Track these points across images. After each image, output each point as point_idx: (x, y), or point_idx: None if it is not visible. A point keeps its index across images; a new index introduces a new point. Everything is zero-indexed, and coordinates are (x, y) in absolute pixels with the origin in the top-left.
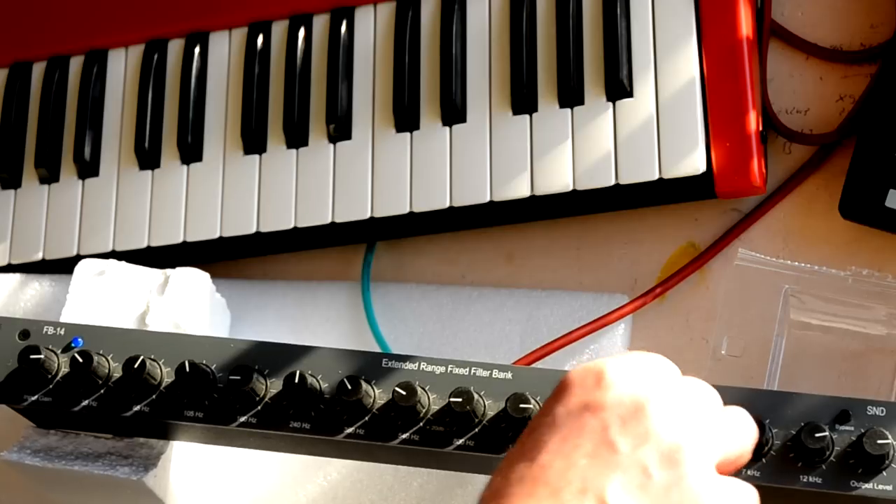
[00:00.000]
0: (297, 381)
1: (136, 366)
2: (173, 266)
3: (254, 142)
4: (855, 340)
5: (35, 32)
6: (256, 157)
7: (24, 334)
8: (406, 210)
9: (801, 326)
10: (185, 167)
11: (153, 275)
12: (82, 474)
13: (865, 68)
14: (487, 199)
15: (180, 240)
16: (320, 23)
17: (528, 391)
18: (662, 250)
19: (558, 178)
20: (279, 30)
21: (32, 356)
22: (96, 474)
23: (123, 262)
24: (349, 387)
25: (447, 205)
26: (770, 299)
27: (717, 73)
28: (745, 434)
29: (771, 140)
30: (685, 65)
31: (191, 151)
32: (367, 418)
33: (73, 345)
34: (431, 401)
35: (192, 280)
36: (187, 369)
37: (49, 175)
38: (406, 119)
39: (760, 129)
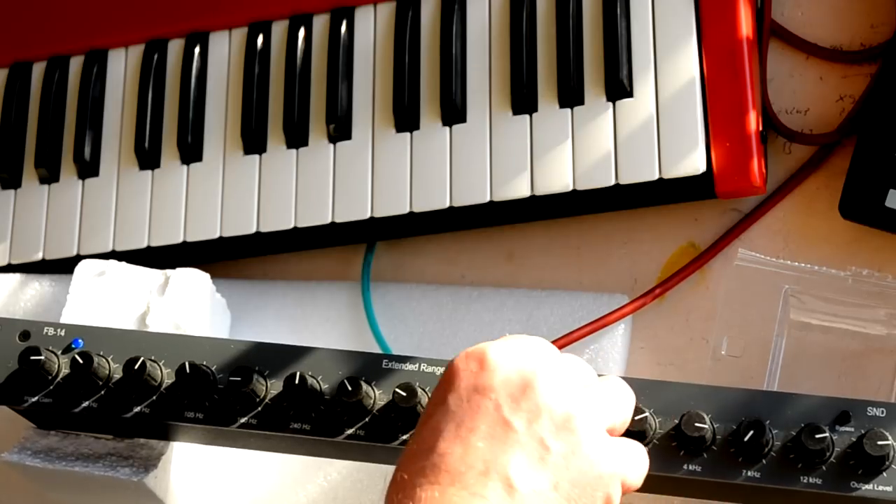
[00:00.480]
0: (297, 382)
1: (136, 367)
2: (173, 266)
3: (254, 142)
4: (855, 340)
5: (35, 32)
6: (256, 157)
7: (25, 335)
8: (406, 210)
9: (801, 326)
10: (185, 167)
11: (153, 275)
12: (83, 475)
13: (865, 68)
14: (487, 199)
15: (180, 240)
16: (320, 23)
17: None
18: (662, 250)
19: (558, 178)
20: (279, 30)
21: (33, 357)
22: (97, 475)
23: (123, 263)
24: (349, 388)
25: (447, 205)
26: (770, 299)
27: (717, 73)
28: (624, 400)
29: (771, 140)
30: (685, 65)
31: (191, 151)
32: (367, 419)
33: (73, 346)
34: None
35: (193, 280)
36: (188, 370)
37: (49, 175)
38: (406, 119)
39: (760, 129)
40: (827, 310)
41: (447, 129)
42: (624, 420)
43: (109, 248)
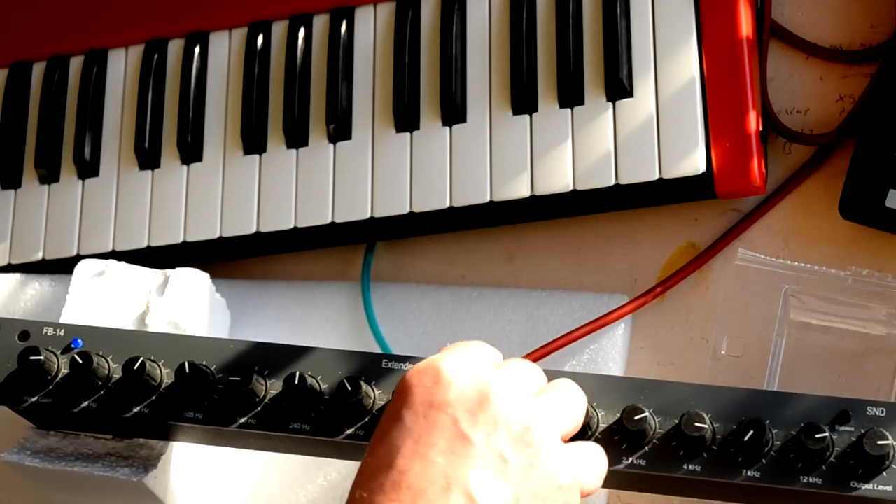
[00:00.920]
0: (296, 381)
1: (135, 367)
2: (173, 266)
3: (254, 142)
4: (855, 340)
5: (35, 32)
6: (256, 157)
7: (24, 335)
8: (406, 210)
9: (801, 326)
10: (185, 167)
11: (153, 275)
12: (82, 475)
13: (865, 68)
14: (487, 199)
15: (180, 240)
16: (320, 23)
17: None
18: (662, 250)
19: (558, 178)
20: (279, 30)
21: (32, 357)
22: (96, 475)
23: (123, 263)
24: (349, 388)
25: (447, 205)
26: (770, 299)
27: (717, 73)
28: (578, 403)
29: (771, 140)
30: (685, 65)
31: (191, 151)
32: (367, 419)
33: (72, 346)
34: None
35: (192, 280)
36: (187, 370)
37: (49, 175)
38: (406, 119)
39: (760, 129)
40: (827, 310)
41: (447, 129)
42: (577, 422)
43: (109, 248)
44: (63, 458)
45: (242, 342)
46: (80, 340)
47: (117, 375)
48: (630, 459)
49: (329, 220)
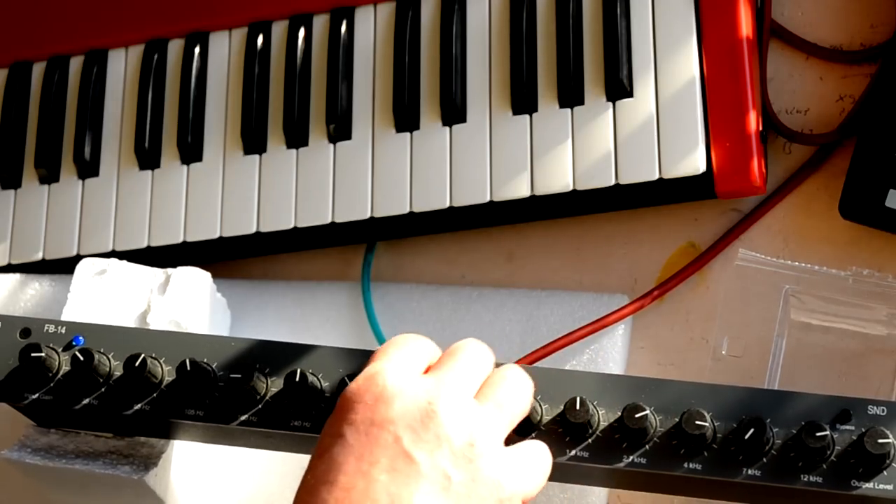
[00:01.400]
0: (297, 379)
1: (136, 364)
2: (173, 266)
3: (254, 142)
4: (855, 340)
5: (35, 32)
6: (256, 157)
7: (26, 332)
8: (406, 210)
9: (801, 327)
10: (185, 167)
11: (154, 274)
12: (83, 473)
13: (865, 68)
14: (487, 199)
15: (180, 240)
16: (320, 23)
17: None
18: (662, 250)
19: (558, 178)
20: (279, 30)
21: (33, 354)
22: (97, 473)
23: (125, 262)
24: None
25: (447, 205)
26: (770, 299)
27: (717, 73)
28: (524, 391)
29: (771, 140)
30: (685, 65)
31: (191, 151)
32: None
33: (73, 343)
34: None
35: (193, 279)
36: (188, 368)
37: (49, 175)
38: (406, 119)
39: (760, 129)
40: (827, 310)
41: (447, 129)
42: (523, 414)
43: (109, 248)
44: (64, 455)
45: (243, 340)
46: (81, 337)
47: (118, 373)
48: (631, 458)
49: (329, 220)
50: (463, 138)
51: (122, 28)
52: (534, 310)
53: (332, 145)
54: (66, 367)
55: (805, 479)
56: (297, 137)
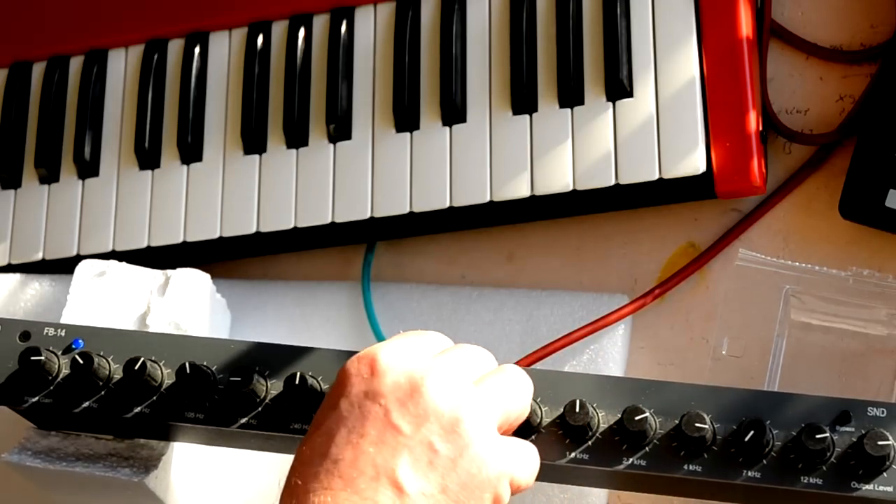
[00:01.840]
0: (297, 382)
1: (136, 367)
2: (173, 266)
3: (254, 142)
4: (855, 340)
5: (35, 32)
6: (256, 157)
7: (25, 336)
8: (406, 210)
9: (801, 327)
10: (185, 167)
11: (154, 275)
12: (83, 476)
13: (865, 68)
14: (487, 199)
15: (180, 240)
16: (320, 23)
17: None
18: (662, 250)
19: (558, 178)
20: (279, 30)
21: (33, 357)
22: (97, 476)
23: (124, 263)
24: None
25: (447, 205)
26: (770, 299)
27: (717, 73)
28: (521, 390)
29: (771, 140)
30: (685, 65)
31: (191, 151)
32: None
33: (73, 346)
34: None
35: (193, 281)
36: (188, 370)
37: (49, 175)
38: (406, 119)
39: (760, 129)
40: (827, 310)
41: (447, 129)
42: (520, 411)
43: (109, 248)
44: (64, 458)
45: (243, 342)
46: (80, 341)
47: (118, 376)
48: (631, 460)
49: (329, 220)
50: (463, 138)
51: (122, 28)
52: (534, 310)
53: (332, 145)
54: (65, 371)
55: (805, 481)
56: (297, 137)
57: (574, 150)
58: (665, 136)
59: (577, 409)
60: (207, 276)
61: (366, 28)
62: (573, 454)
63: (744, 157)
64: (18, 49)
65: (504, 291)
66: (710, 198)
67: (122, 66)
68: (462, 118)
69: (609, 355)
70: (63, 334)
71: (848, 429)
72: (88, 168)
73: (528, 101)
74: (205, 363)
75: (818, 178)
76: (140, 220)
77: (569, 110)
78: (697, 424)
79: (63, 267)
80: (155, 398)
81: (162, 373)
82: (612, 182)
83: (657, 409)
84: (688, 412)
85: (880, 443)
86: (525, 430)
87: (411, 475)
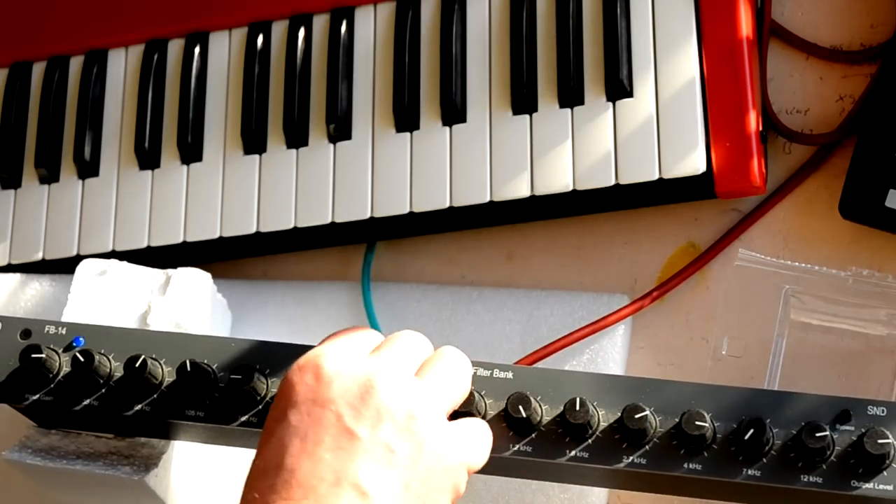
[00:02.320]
0: None
1: (137, 365)
2: (173, 266)
3: (254, 142)
4: (855, 340)
5: (35, 32)
6: (256, 157)
7: (26, 333)
8: (406, 210)
9: (801, 327)
10: (185, 167)
11: (155, 275)
12: (83, 474)
13: (865, 68)
14: (487, 199)
15: (180, 240)
16: (320, 23)
17: (528, 391)
18: (662, 250)
19: (558, 178)
20: (279, 30)
21: (34, 355)
22: (98, 474)
23: (125, 262)
24: None
25: (447, 205)
26: (770, 299)
27: (717, 73)
28: (462, 372)
29: (771, 140)
30: (685, 65)
31: (191, 151)
32: None
33: (74, 344)
34: None
35: (194, 280)
36: (188, 368)
37: (49, 175)
38: (406, 119)
39: (760, 129)
40: (827, 310)
41: (447, 129)
42: (462, 394)
43: (109, 248)
44: (64, 456)
45: (244, 340)
46: (81, 339)
47: (119, 374)
48: (631, 458)
49: (329, 220)
50: (463, 138)
51: (122, 28)
52: (534, 310)
53: (332, 145)
54: (66, 369)
55: (805, 480)
56: (297, 137)
57: (574, 150)
58: (665, 136)
59: (578, 408)
60: (208, 275)
61: (366, 28)
62: (573, 452)
63: (744, 157)
64: (18, 49)
65: (504, 291)
66: (710, 198)
67: (122, 66)
68: (462, 118)
69: (609, 355)
70: (64, 332)
71: (848, 427)
72: (88, 168)
73: (528, 101)
74: (205, 361)
75: (818, 178)
76: (140, 220)
77: (569, 110)
78: (697, 423)
79: (63, 267)
80: (155, 396)
81: (162, 371)
82: (612, 182)
83: (657, 407)
84: (688, 411)
85: (880, 441)
86: (525, 428)
87: (372, 477)
